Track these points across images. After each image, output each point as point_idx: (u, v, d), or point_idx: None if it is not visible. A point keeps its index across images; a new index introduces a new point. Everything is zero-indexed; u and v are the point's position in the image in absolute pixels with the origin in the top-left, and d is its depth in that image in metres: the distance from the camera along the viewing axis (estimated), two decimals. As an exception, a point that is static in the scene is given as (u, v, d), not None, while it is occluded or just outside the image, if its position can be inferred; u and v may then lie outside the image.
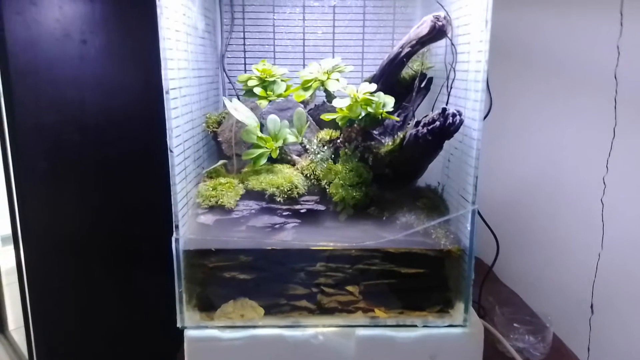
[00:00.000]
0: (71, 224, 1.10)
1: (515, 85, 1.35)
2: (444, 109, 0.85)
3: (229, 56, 1.24)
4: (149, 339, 1.23)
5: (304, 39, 1.22)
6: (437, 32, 0.96)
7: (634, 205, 1.01)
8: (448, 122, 0.84)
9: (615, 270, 1.06)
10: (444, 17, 0.96)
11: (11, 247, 1.07)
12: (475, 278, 0.91)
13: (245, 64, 1.24)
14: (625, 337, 1.04)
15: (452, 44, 0.98)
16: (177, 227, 0.84)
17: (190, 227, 0.90)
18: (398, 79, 1.08)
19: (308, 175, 0.98)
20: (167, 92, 0.80)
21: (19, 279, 1.08)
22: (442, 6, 1.00)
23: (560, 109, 1.22)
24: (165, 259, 0.86)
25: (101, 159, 1.12)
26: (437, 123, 0.85)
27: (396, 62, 1.03)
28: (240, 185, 0.95)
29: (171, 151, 0.82)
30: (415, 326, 0.89)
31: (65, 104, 1.05)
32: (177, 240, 0.84)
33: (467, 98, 0.91)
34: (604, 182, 1.07)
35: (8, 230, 1.07)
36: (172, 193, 0.82)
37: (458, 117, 0.84)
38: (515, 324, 1.09)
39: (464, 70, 0.93)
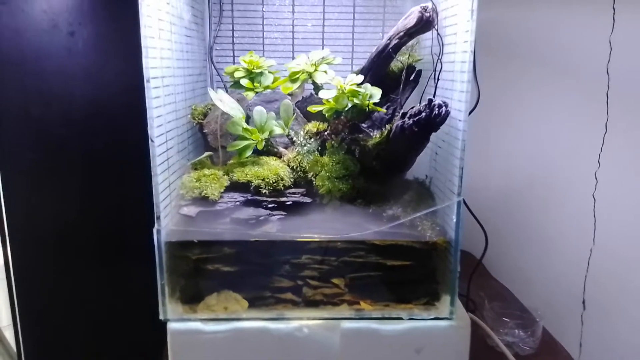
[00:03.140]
0: (58, 218, 1.09)
1: (508, 79, 1.34)
2: (430, 100, 0.84)
3: (218, 48, 1.23)
4: (138, 332, 1.22)
5: (293, 31, 1.21)
6: (425, 23, 0.96)
7: (625, 200, 1.00)
8: (434, 113, 0.83)
9: (607, 265, 1.05)
10: (432, 8, 0.95)
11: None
12: (465, 272, 0.90)
13: (233, 56, 1.23)
14: (617, 332, 1.03)
15: (439, 34, 0.97)
16: (158, 218, 0.83)
17: (173, 219, 0.89)
18: (387, 71, 1.07)
19: (294, 167, 0.98)
20: (148, 81, 0.79)
21: (7, 275, 1.07)
22: (430, -3, 0.99)
23: (552, 104, 1.21)
24: (153, 251, 0.85)
25: (88, 153, 1.11)
26: (423, 114, 0.84)
27: (384, 54, 1.02)
28: (225, 177, 0.94)
29: (152, 141, 0.81)
30: (401, 319, 0.88)
31: (52, 96, 1.04)
32: (158, 231, 0.83)
33: (454, 89, 0.91)
34: (595, 177, 1.06)
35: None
36: (153, 183, 0.81)
37: (444, 108, 0.83)
38: (504, 318, 1.09)
39: (451, 62, 0.92)
